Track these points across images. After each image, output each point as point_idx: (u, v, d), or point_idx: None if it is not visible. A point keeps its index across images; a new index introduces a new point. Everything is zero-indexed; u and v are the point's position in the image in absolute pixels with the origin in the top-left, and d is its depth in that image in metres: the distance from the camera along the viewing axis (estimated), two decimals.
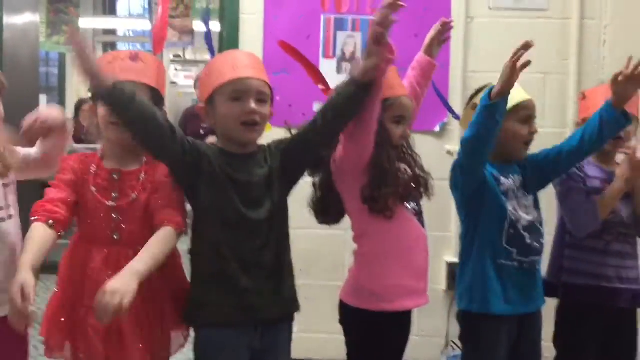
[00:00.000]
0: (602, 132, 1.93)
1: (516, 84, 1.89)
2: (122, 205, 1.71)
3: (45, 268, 1.67)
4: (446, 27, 2.09)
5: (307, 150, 1.79)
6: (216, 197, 1.68)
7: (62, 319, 1.72)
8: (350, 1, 2.98)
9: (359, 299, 1.88)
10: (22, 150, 1.84)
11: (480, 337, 1.99)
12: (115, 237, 1.71)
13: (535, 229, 2.01)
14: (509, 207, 1.96)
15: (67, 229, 1.69)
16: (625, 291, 2.20)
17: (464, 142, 1.91)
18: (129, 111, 1.58)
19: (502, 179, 1.99)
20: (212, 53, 2.11)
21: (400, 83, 1.95)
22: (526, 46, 1.76)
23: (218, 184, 1.68)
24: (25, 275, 1.50)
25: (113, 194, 1.73)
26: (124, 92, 1.56)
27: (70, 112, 7.57)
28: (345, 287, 1.94)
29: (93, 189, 1.72)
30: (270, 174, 1.73)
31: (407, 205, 1.90)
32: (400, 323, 1.91)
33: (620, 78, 1.89)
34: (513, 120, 1.97)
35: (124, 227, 1.71)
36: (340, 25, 2.98)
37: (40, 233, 1.61)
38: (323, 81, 2.11)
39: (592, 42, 3.08)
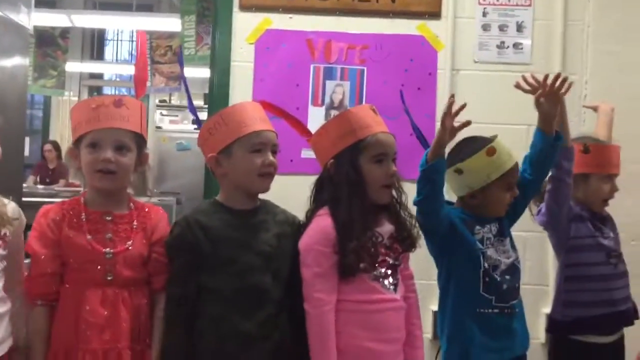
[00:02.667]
0: (548, 160, 2.04)
1: (506, 147, 1.94)
2: (118, 252, 1.72)
3: None
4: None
5: None
6: None
7: None
8: (339, 51, 3.04)
9: None
10: None
11: None
12: (109, 278, 1.70)
13: (515, 269, 2.01)
14: (489, 253, 1.96)
15: None
16: (628, 310, 2.28)
17: (415, 204, 1.89)
18: None
19: (477, 227, 1.98)
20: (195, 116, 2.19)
21: (377, 121, 1.86)
22: (451, 100, 1.78)
23: None
24: None
25: (107, 235, 1.73)
26: None
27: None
28: None
29: (89, 237, 1.72)
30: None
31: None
32: None
33: (541, 99, 1.96)
34: (498, 186, 1.97)
35: (117, 269, 1.71)
36: (329, 74, 3.04)
37: (46, 324, 1.70)
38: (306, 131, 2.13)
39: (573, 96, 3.14)
